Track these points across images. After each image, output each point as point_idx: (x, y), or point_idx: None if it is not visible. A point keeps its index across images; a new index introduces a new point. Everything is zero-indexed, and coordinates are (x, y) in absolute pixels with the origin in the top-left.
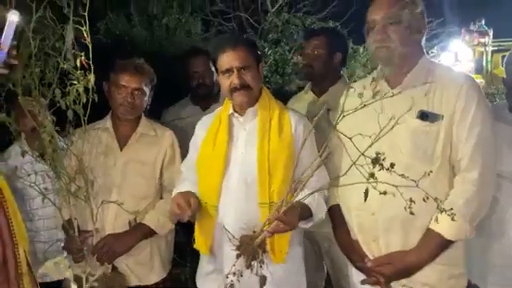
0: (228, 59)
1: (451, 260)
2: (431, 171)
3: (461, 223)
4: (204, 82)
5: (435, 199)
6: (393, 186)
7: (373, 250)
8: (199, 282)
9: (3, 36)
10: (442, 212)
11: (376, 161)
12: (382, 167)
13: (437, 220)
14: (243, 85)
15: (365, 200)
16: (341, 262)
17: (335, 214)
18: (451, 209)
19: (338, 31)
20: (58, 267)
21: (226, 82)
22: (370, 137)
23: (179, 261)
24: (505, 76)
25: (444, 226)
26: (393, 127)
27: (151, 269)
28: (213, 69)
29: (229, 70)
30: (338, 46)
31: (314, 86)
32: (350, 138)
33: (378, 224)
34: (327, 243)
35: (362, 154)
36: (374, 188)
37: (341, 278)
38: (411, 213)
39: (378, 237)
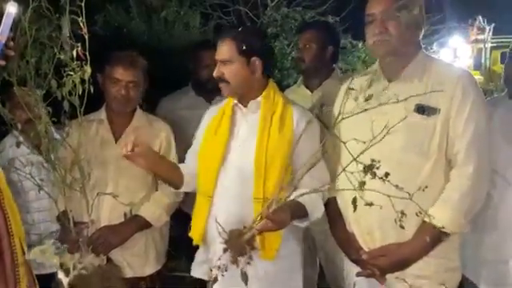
0: (217, 50)
1: (447, 253)
2: (426, 186)
3: (456, 216)
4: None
5: (426, 214)
6: (388, 196)
7: (368, 242)
8: (193, 269)
9: (1, 27)
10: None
11: (369, 168)
12: (375, 176)
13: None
14: (219, 78)
15: (354, 210)
16: (335, 256)
17: (331, 206)
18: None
19: (329, 25)
20: (44, 254)
21: None
22: (365, 142)
23: (174, 254)
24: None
25: (439, 219)
26: (388, 131)
27: (146, 261)
28: None
29: (216, 62)
30: (330, 39)
31: (307, 80)
32: (345, 143)
33: (373, 217)
34: (322, 237)
35: (355, 160)
36: (361, 197)
37: (335, 272)
38: (401, 226)
39: (374, 229)
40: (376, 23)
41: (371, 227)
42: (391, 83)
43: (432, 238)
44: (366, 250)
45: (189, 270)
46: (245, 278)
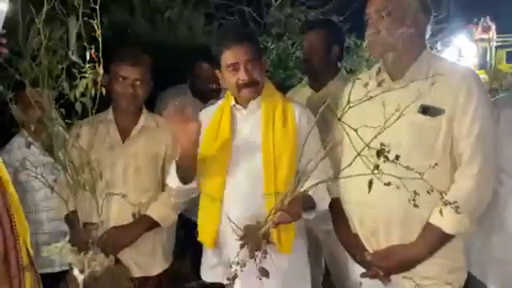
0: (234, 53)
1: (451, 253)
2: (436, 163)
3: (460, 217)
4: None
5: (440, 193)
6: (397, 178)
7: (372, 243)
8: (204, 274)
9: None
10: (446, 205)
11: (381, 152)
12: (387, 159)
13: (441, 213)
14: (252, 80)
15: (369, 191)
16: (340, 256)
17: (336, 207)
18: (455, 201)
19: (334, 23)
20: (60, 251)
21: (232, 78)
22: (375, 128)
23: (181, 253)
24: None
25: (444, 220)
26: (398, 117)
27: (154, 260)
28: None
29: (234, 64)
30: (335, 38)
31: (312, 80)
32: (356, 130)
33: (378, 218)
34: (326, 238)
35: (367, 146)
36: (379, 179)
37: (340, 273)
38: (415, 205)
39: (378, 231)
40: (370, 22)
41: (375, 228)
42: (395, 82)
43: (437, 239)
44: (371, 251)
45: (195, 269)
46: (264, 272)
